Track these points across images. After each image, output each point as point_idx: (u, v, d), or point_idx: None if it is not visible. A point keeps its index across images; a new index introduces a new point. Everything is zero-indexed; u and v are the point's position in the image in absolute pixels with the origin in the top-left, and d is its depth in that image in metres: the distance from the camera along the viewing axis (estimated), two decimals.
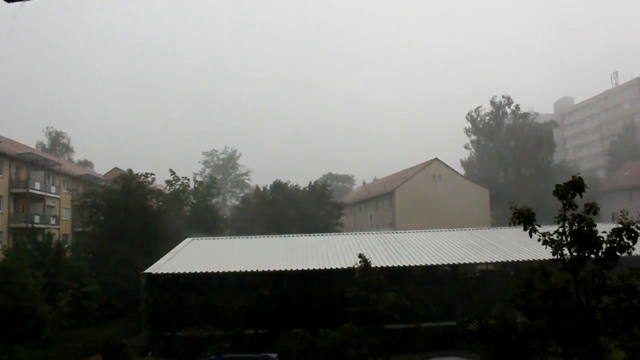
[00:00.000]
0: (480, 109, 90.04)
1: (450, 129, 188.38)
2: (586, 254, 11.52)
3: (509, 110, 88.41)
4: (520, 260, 30.53)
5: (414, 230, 42.94)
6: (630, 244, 11.39)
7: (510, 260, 31.46)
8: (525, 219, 11.89)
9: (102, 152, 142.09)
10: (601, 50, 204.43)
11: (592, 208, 11.73)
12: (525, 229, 11.92)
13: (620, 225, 11.51)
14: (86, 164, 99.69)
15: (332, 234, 46.30)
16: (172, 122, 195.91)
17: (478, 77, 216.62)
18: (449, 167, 74.00)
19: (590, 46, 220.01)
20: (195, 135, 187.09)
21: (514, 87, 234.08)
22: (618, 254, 11.36)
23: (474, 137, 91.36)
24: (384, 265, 30.41)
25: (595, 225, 11.58)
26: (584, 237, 11.43)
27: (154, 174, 54.23)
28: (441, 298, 31.13)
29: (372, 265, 28.45)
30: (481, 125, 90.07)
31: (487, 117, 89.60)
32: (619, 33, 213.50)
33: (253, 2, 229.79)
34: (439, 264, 32.02)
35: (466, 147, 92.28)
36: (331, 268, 30.95)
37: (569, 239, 11.62)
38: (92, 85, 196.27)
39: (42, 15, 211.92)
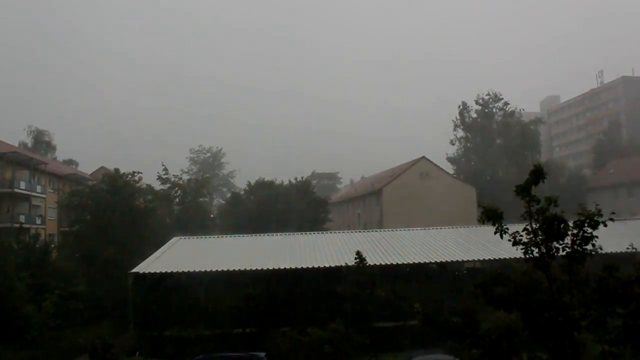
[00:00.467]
0: (469, 106, 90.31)
1: (438, 127, 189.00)
2: (555, 248, 11.61)
3: (496, 108, 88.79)
4: (507, 257, 30.64)
5: (402, 229, 43.04)
6: (593, 233, 11.55)
7: (497, 258, 31.60)
8: (493, 218, 11.92)
9: (86, 151, 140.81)
10: (587, 49, 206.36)
11: (552, 201, 11.79)
12: (496, 231, 11.95)
13: (582, 217, 11.65)
14: (71, 162, 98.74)
15: (320, 232, 46.28)
16: (158, 119, 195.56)
17: (465, 76, 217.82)
18: (437, 165, 74.19)
19: (576, 45, 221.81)
20: (177, 133, 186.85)
21: (501, 85, 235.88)
22: (584, 246, 11.52)
23: (462, 133, 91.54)
24: (373, 264, 30.46)
25: (560, 216, 11.68)
26: (550, 228, 11.53)
27: (141, 172, 53.99)
28: (429, 296, 31.21)
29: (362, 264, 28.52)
30: (469, 121, 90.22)
31: (475, 115, 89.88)
32: (604, 32, 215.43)
33: None
34: (427, 262, 32.13)
35: (452, 142, 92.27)
36: (319, 267, 30.95)
37: (538, 235, 11.69)
38: (71, 83, 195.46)
39: (18, 12, 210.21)
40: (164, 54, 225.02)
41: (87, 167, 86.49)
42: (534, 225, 11.78)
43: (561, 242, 11.64)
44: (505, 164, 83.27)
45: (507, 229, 11.89)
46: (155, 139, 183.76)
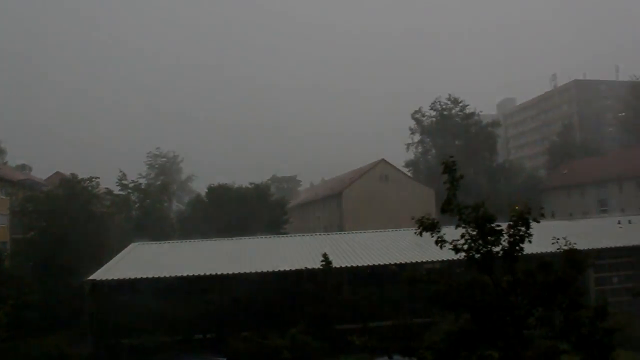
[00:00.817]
0: (424, 109, 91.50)
1: (396, 130, 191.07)
2: (492, 250, 11.84)
3: (455, 110, 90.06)
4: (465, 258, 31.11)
5: (362, 231, 43.29)
6: (528, 232, 11.77)
7: (456, 259, 31.96)
8: (428, 228, 12.07)
9: (39, 156, 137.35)
10: (541, 52, 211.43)
11: (480, 205, 12.00)
12: (437, 242, 12.10)
13: (515, 217, 11.95)
14: (24, 168, 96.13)
15: (280, 235, 46.20)
16: (114, 123, 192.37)
17: (423, 79, 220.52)
18: (396, 167, 74.95)
19: (530, 48, 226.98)
20: (133, 137, 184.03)
21: (457, 88, 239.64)
22: (519, 245, 11.80)
23: (419, 137, 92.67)
24: (336, 266, 30.54)
25: (489, 214, 11.91)
26: (483, 229, 11.75)
27: (98, 178, 53.08)
28: (389, 297, 31.46)
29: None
30: (426, 124, 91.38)
31: (433, 118, 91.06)
32: (558, 35, 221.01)
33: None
34: (387, 263, 32.37)
35: (409, 147, 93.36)
36: (280, 270, 30.88)
37: (475, 240, 11.88)
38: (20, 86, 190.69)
39: None
40: (113, 53, 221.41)
41: (41, 173, 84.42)
42: (470, 231, 11.97)
43: (498, 244, 11.87)
44: (463, 166, 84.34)
45: (443, 240, 12.02)
46: (111, 143, 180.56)
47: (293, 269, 30.69)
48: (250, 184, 66.44)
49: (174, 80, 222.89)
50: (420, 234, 12.19)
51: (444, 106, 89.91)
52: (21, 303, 34.10)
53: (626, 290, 28.63)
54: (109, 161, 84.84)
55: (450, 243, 11.98)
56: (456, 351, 11.70)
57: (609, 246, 34.09)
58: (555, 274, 11.72)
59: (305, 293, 28.14)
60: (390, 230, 42.56)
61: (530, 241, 11.91)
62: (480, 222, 11.76)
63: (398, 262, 32.36)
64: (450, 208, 12.03)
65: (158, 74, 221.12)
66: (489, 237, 11.74)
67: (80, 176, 52.14)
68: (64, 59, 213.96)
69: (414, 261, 32.30)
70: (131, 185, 60.11)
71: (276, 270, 30.90)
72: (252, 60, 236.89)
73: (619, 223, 41.62)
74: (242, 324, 29.60)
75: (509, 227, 11.92)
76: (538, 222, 12.10)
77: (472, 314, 11.87)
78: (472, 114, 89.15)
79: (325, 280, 28.05)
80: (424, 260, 32.79)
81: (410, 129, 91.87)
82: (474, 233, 11.81)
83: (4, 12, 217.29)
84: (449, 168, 12.27)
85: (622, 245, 34.07)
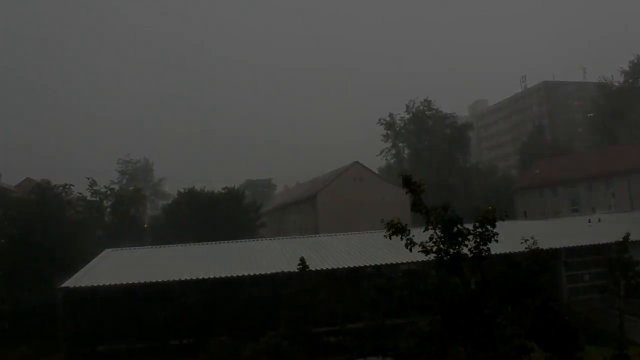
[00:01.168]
0: (397, 113, 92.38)
1: (369, 132, 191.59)
2: (460, 251, 12.05)
3: (427, 112, 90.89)
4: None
5: (337, 234, 43.39)
6: (493, 231, 12.04)
7: (431, 259, 32.21)
8: (397, 231, 12.26)
9: (6, 163, 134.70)
10: (510, 53, 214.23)
11: (447, 206, 12.22)
12: (406, 245, 12.27)
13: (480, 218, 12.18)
14: None
15: (255, 239, 46.05)
16: (80, 126, 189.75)
17: (394, 81, 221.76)
18: (370, 169, 75.23)
19: (501, 48, 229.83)
20: (102, 140, 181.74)
21: (428, 90, 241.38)
22: (486, 245, 12.02)
23: (391, 141, 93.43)
24: (312, 269, 30.56)
25: (455, 217, 12.12)
26: (449, 231, 11.95)
27: (72, 185, 52.44)
28: (365, 299, 31.56)
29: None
30: (398, 128, 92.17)
31: (406, 120, 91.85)
32: (528, 35, 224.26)
33: None
34: (363, 265, 32.50)
35: (383, 151, 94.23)
36: (255, 274, 30.80)
37: (442, 241, 12.08)
38: None
39: None
40: (85, 53, 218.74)
41: (9, 179, 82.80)
42: (437, 233, 12.16)
43: (464, 245, 12.08)
44: (436, 167, 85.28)
45: (413, 241, 12.19)
46: (80, 150, 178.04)
47: (268, 272, 30.63)
48: (224, 188, 66.11)
49: (149, 82, 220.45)
50: (390, 237, 12.34)
51: (417, 107, 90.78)
52: None
53: (596, 288, 29.13)
54: (79, 168, 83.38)
55: (420, 245, 12.14)
56: (427, 351, 11.85)
57: (579, 244, 34.71)
58: (524, 274, 11.95)
59: (281, 296, 28.11)
60: (365, 232, 42.69)
61: (497, 240, 12.12)
62: (446, 224, 11.95)
63: (374, 264, 32.51)
64: (419, 210, 12.24)
65: (129, 77, 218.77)
66: (455, 239, 11.94)
67: (53, 183, 51.41)
68: (29, 60, 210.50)
69: (389, 262, 32.48)
70: (103, 190, 59.48)
71: (251, 274, 30.81)
72: (225, 65, 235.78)
73: (589, 222, 42.40)
74: (218, 329, 29.47)
75: (475, 227, 12.13)
76: (503, 220, 12.34)
77: (442, 315, 12.02)
78: (446, 116, 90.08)
79: (301, 283, 28.07)
80: (399, 262, 33.04)
81: (383, 135, 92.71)
82: (441, 235, 12.01)
83: None
84: (407, 181, 12.46)
85: (592, 244, 34.70)
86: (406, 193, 12.54)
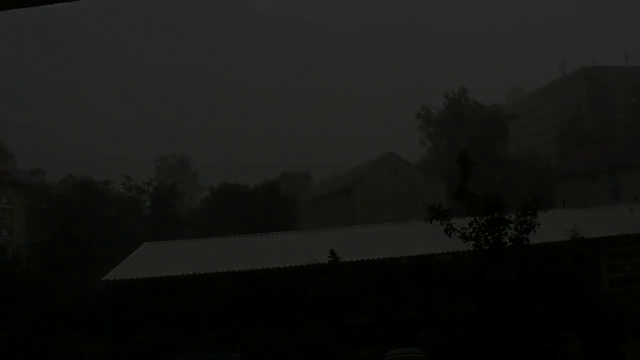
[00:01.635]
0: (432, 104, 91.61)
1: (405, 122, 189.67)
2: (500, 239, 11.92)
3: (465, 102, 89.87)
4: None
5: (374, 225, 43.31)
6: (535, 221, 11.85)
7: (468, 250, 31.93)
8: (438, 216, 12.18)
9: (49, 161, 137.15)
10: (549, 37, 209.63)
11: (493, 198, 12.09)
12: (446, 230, 12.19)
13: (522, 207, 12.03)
14: (37, 172, 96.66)
15: (291, 232, 46.33)
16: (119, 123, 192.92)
17: (427, 73, 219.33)
18: (406, 160, 74.79)
19: (540, 37, 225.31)
20: (139, 142, 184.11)
21: (465, 80, 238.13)
22: (527, 234, 11.87)
23: (431, 130, 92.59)
24: (347, 261, 30.64)
25: (500, 202, 11.99)
26: (492, 217, 11.82)
27: (113, 182, 53.66)
28: (404, 290, 31.46)
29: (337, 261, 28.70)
30: (436, 117, 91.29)
31: (443, 110, 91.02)
32: (567, 20, 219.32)
33: None
34: (400, 256, 32.42)
35: (421, 141, 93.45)
36: (292, 266, 31.01)
37: (483, 229, 11.95)
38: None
39: None
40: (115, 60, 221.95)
41: (52, 177, 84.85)
42: (477, 219, 12.06)
43: (505, 233, 11.95)
44: (475, 157, 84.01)
45: (453, 227, 12.13)
46: (119, 147, 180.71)
47: (304, 264, 30.80)
48: (260, 182, 66.62)
49: (176, 82, 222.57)
50: (431, 221, 12.33)
51: (455, 96, 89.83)
52: (38, 304, 34.59)
53: (638, 278, 28.48)
54: (118, 165, 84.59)
55: (459, 231, 12.08)
56: (465, 334, 11.80)
57: (620, 234, 33.92)
58: (563, 266, 11.80)
59: (317, 288, 28.24)
60: (402, 223, 42.52)
61: (535, 231, 11.97)
62: (489, 210, 11.86)
63: (410, 255, 32.39)
64: (461, 196, 12.18)
65: (160, 76, 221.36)
66: (496, 226, 11.84)
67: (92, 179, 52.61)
68: (70, 64, 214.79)
69: (426, 253, 32.31)
70: (142, 186, 60.54)
71: (286, 266, 31.03)
72: (255, 63, 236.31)
73: (631, 210, 41.36)
74: (256, 321, 29.80)
75: (518, 216, 12.00)
76: (545, 211, 12.16)
77: (478, 301, 11.98)
78: (483, 106, 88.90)
79: (336, 275, 28.14)
80: (436, 252, 32.83)
81: (421, 124, 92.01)
82: (482, 221, 11.91)
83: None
84: (462, 158, 12.42)
85: (635, 233, 33.87)
86: (457, 172, 12.46)
